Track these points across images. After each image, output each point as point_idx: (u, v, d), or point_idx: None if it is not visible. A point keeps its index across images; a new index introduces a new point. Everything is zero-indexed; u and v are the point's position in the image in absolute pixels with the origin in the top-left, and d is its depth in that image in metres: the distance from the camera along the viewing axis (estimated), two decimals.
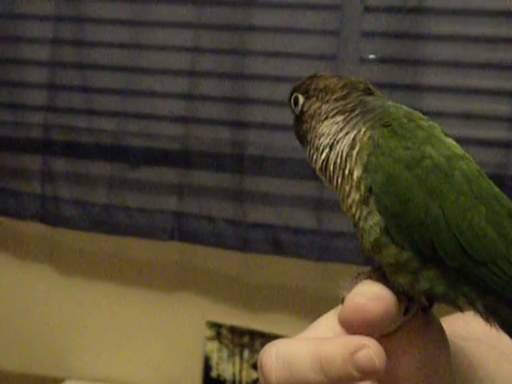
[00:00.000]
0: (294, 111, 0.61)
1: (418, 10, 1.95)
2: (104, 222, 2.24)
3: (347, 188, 0.53)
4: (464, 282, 0.51)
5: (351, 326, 0.48)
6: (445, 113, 1.95)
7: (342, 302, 0.50)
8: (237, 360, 2.24)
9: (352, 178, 0.52)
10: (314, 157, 0.57)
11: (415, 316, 0.52)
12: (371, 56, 2.01)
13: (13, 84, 2.28)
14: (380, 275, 0.52)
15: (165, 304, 2.31)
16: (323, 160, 0.56)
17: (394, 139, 0.52)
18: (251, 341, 2.22)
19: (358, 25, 2.01)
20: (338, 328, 0.50)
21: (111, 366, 2.38)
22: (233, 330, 2.23)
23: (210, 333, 2.25)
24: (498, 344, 0.71)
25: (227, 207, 2.14)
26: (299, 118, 0.60)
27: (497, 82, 1.94)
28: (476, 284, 0.51)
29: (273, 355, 0.48)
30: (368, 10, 1.98)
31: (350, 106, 0.56)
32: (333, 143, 0.55)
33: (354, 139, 0.53)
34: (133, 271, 2.33)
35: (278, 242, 2.10)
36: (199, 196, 2.16)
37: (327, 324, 0.51)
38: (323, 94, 0.58)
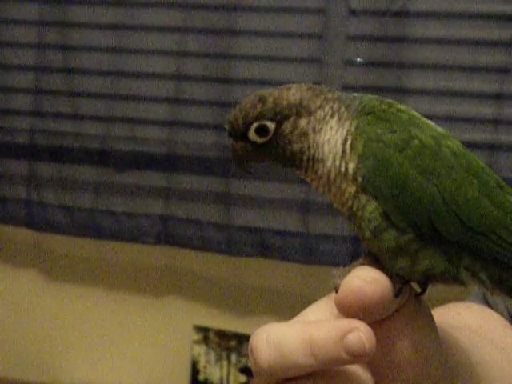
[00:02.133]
0: (253, 142, 0.56)
1: (402, 14, 1.96)
2: (90, 226, 2.24)
3: (344, 185, 0.53)
4: (465, 255, 0.52)
5: (347, 309, 0.48)
6: (430, 115, 1.93)
7: (336, 290, 0.50)
8: (224, 364, 2.24)
9: (348, 173, 0.53)
10: (319, 170, 0.55)
11: (407, 302, 0.53)
12: (358, 59, 2.01)
13: None
14: (372, 262, 0.52)
15: (152, 308, 2.31)
16: (329, 168, 0.54)
17: (380, 124, 0.53)
18: (238, 344, 2.22)
19: (343, 28, 2.01)
20: (328, 313, 0.50)
21: (99, 371, 2.38)
22: (220, 333, 2.23)
23: (197, 336, 2.25)
24: (489, 334, 0.71)
25: (214, 211, 2.14)
26: (267, 144, 0.56)
27: (481, 85, 1.95)
28: (478, 256, 0.51)
29: (264, 339, 0.48)
30: (353, 13, 1.99)
31: (335, 106, 0.55)
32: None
33: (345, 134, 0.54)
34: (119, 275, 2.33)
35: (265, 246, 2.10)
36: (186, 200, 2.16)
37: (318, 310, 0.51)
38: (300, 107, 0.55)
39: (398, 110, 0.54)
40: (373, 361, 0.49)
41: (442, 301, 0.77)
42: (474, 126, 1.96)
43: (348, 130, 0.54)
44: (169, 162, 2.16)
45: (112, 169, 2.21)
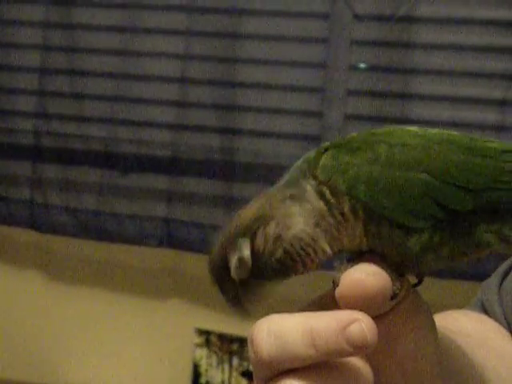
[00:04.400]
0: (237, 275, 0.55)
1: (407, 19, 1.96)
2: (94, 228, 2.24)
3: (350, 230, 0.52)
4: (484, 218, 0.52)
5: (348, 301, 0.48)
6: (434, 121, 1.96)
7: (334, 284, 0.50)
8: (226, 367, 2.24)
9: (347, 217, 0.52)
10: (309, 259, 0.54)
11: (407, 297, 0.53)
12: (362, 65, 2.02)
13: (3, 90, 2.28)
14: (374, 259, 0.52)
15: (154, 310, 2.31)
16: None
17: (341, 152, 0.53)
18: (240, 348, 2.21)
19: (347, 33, 2.02)
20: (328, 307, 0.50)
21: (100, 372, 2.38)
22: (222, 337, 2.23)
23: (199, 340, 2.25)
24: (486, 340, 0.71)
25: (217, 214, 2.14)
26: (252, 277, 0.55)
27: (486, 91, 1.95)
28: (495, 212, 0.52)
29: (264, 330, 0.48)
30: (357, 18, 1.99)
31: (285, 197, 0.54)
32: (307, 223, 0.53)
33: (315, 190, 0.53)
34: (122, 278, 2.33)
35: None
36: (189, 203, 2.16)
37: (318, 304, 0.52)
38: (260, 223, 0.54)
39: (352, 136, 0.54)
40: (373, 355, 0.49)
41: (441, 309, 0.78)
42: (478, 131, 1.96)
43: (317, 185, 0.53)
44: (173, 165, 2.16)
45: (116, 171, 2.21)
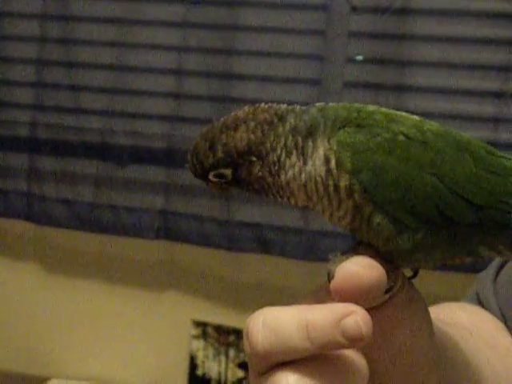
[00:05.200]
0: (216, 184, 0.58)
1: (404, 11, 1.96)
2: (90, 220, 2.24)
3: (336, 201, 0.52)
4: (480, 231, 0.52)
5: (343, 294, 0.48)
6: (431, 113, 1.96)
7: (329, 277, 0.50)
8: (222, 359, 2.24)
9: (339, 191, 0.52)
10: (288, 197, 0.55)
11: (402, 289, 0.53)
12: (358, 57, 2.01)
13: None
14: (369, 251, 0.52)
15: (151, 302, 2.31)
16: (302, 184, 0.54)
17: (360, 134, 0.52)
18: (237, 340, 2.22)
19: (344, 25, 2.02)
20: (323, 299, 0.50)
21: (96, 365, 2.38)
22: (219, 328, 2.24)
23: (195, 331, 2.26)
24: (481, 332, 0.72)
25: (214, 206, 2.14)
26: (231, 182, 0.57)
27: (482, 83, 1.95)
28: (492, 228, 0.52)
29: (260, 322, 0.48)
30: (355, 10, 1.99)
31: (289, 142, 0.54)
32: (301, 170, 0.53)
33: (324, 154, 0.52)
34: (119, 270, 2.33)
35: (265, 241, 2.10)
36: (186, 195, 2.16)
37: (305, 302, 0.52)
38: (250, 155, 0.54)
39: (370, 113, 0.53)
40: (368, 347, 0.49)
41: (437, 301, 0.78)
42: (474, 123, 1.96)
43: (328, 150, 0.52)
44: (169, 157, 2.16)
45: (112, 163, 2.21)
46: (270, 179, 0.54)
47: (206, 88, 2.11)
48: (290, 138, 0.54)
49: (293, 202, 0.55)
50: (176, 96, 2.14)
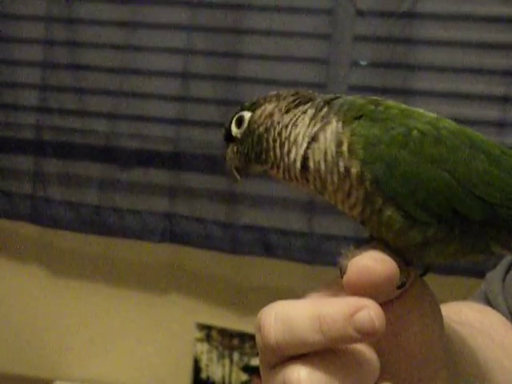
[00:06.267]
0: (233, 138, 0.60)
1: (409, 15, 1.96)
2: (95, 223, 2.24)
3: (346, 187, 0.52)
4: (492, 228, 0.52)
5: (356, 288, 0.48)
6: None
7: (341, 271, 0.50)
8: (226, 362, 2.24)
9: (349, 176, 0.52)
10: (290, 154, 0.55)
11: (414, 284, 0.53)
12: (363, 62, 2.02)
13: (5, 84, 2.28)
14: (382, 246, 0.52)
15: (155, 305, 2.31)
16: (303, 155, 0.54)
17: (375, 126, 0.52)
18: (241, 343, 2.22)
19: (349, 29, 2.02)
20: (335, 294, 0.50)
21: (101, 367, 2.38)
22: (223, 332, 2.24)
23: (199, 334, 2.26)
24: (489, 331, 0.72)
25: (218, 209, 2.14)
26: (243, 139, 0.59)
27: (487, 87, 1.95)
28: (504, 225, 0.52)
29: (272, 316, 0.48)
30: (360, 14, 1.99)
31: (308, 97, 0.57)
32: (313, 134, 0.54)
33: (336, 135, 0.53)
34: (123, 272, 2.33)
35: (269, 245, 2.10)
36: (190, 198, 2.16)
37: (325, 291, 0.52)
38: (275, 98, 0.58)
39: (387, 107, 0.54)
40: (379, 342, 0.49)
41: (443, 301, 0.78)
42: (479, 128, 1.95)
43: (337, 129, 0.53)
44: (174, 160, 2.16)
45: (117, 166, 2.21)
46: (277, 115, 0.56)
47: (212, 91, 2.11)
48: (308, 97, 0.57)
49: (297, 181, 0.56)
50: (182, 99, 2.15)
